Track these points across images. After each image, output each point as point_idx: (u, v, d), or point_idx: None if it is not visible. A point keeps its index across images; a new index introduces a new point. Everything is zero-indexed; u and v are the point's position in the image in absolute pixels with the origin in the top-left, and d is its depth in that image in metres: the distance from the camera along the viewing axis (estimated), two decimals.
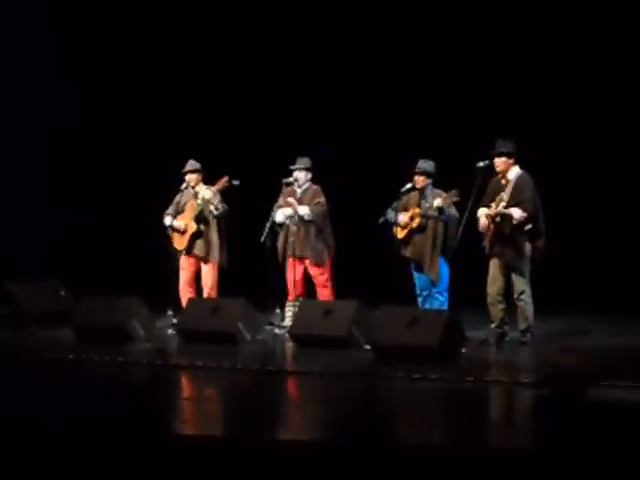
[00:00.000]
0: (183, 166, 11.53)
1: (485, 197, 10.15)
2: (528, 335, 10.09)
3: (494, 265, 10.11)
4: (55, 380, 9.10)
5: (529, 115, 12.98)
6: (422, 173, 10.67)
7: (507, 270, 10.06)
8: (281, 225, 11.24)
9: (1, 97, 14.46)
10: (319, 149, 11.90)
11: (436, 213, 10.49)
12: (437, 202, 10.44)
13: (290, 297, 11.24)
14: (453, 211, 10.44)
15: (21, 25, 14.80)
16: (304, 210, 11.16)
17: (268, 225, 11.06)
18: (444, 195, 10.43)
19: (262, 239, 11.02)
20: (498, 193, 10.07)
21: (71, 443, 6.74)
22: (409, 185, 10.73)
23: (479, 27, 13.35)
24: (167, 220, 11.47)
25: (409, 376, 8.57)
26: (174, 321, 11.22)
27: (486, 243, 10.09)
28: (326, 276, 11.26)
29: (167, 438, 6.84)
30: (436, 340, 9.22)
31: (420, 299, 10.77)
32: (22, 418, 7.34)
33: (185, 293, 11.43)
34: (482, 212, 10.08)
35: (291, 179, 11.26)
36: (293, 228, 11.17)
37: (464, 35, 13.41)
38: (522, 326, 10.10)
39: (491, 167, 10.14)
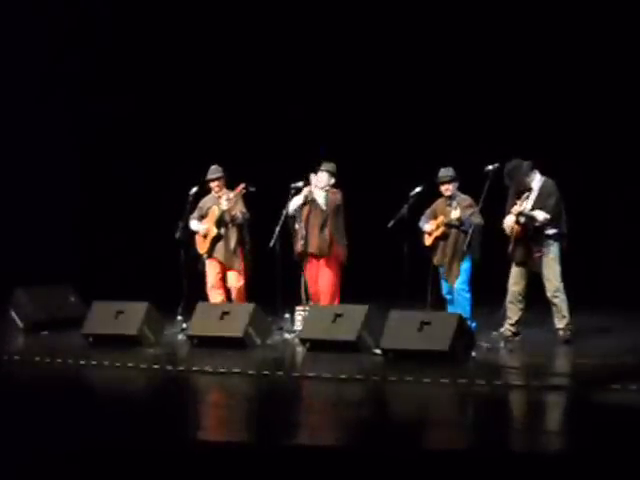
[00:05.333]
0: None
1: (508, 206, 10.26)
2: (569, 332, 10.14)
3: (518, 267, 10.24)
4: (65, 385, 9.14)
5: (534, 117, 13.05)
6: (450, 181, 10.67)
7: (532, 274, 10.18)
8: (293, 217, 11.17)
9: (7, 98, 14.50)
10: (319, 150, 11.86)
11: (457, 223, 10.52)
12: (455, 214, 10.46)
13: (313, 298, 11.20)
14: (477, 219, 10.44)
15: (50, 37, 14.89)
16: (320, 195, 11.10)
17: (277, 230, 11.06)
18: (463, 205, 10.47)
19: (271, 244, 11.02)
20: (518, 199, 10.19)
21: (81, 448, 6.77)
22: (418, 189, 10.74)
23: (489, 31, 13.38)
24: (192, 224, 11.54)
25: (419, 380, 8.57)
26: (184, 326, 11.23)
27: (511, 248, 10.19)
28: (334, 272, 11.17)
29: (176, 443, 6.85)
30: (446, 344, 9.23)
31: (448, 302, 10.82)
32: (34, 426, 7.36)
33: (214, 296, 11.49)
34: (508, 220, 10.21)
35: (300, 184, 11.24)
36: (300, 223, 11.12)
37: (477, 38, 13.45)
38: (561, 324, 10.17)
39: (499, 171, 10.18)
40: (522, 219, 10.09)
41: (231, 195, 11.31)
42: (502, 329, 10.30)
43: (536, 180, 10.21)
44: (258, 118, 14.41)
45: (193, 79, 14.74)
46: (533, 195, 10.14)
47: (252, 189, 11.30)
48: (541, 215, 10.04)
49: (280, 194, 11.28)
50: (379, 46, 13.99)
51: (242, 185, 11.32)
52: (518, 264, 10.22)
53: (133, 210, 14.63)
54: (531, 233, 10.09)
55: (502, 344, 10.06)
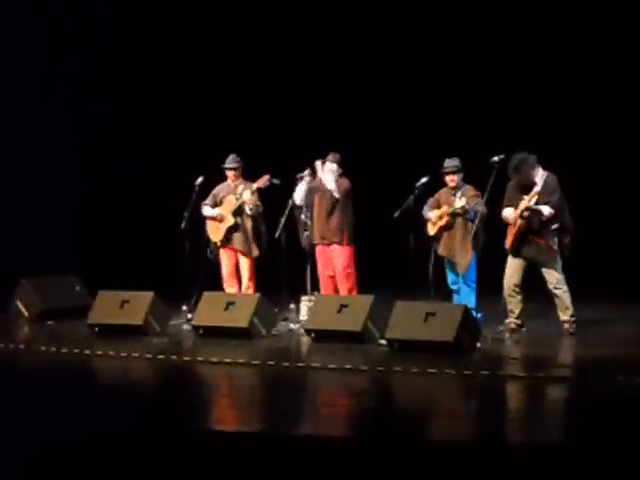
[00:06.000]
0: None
1: (508, 197, 10.25)
2: (573, 324, 10.15)
3: (516, 260, 10.19)
4: (71, 375, 9.16)
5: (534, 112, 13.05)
6: (455, 172, 10.66)
7: (530, 266, 10.15)
8: (300, 207, 11.17)
9: (7, 98, 14.48)
10: (323, 142, 11.85)
11: (462, 212, 10.51)
12: (459, 203, 10.46)
13: (324, 291, 11.18)
14: (481, 208, 10.43)
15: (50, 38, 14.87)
16: (330, 180, 11.09)
17: (283, 220, 11.06)
18: (468, 194, 10.46)
19: (277, 235, 11.03)
20: (523, 193, 10.15)
21: (85, 438, 6.79)
22: (424, 179, 10.72)
23: (495, 24, 13.38)
24: (205, 210, 11.54)
25: (424, 371, 8.58)
26: (189, 316, 11.24)
27: (509, 240, 10.16)
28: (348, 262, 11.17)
29: (181, 433, 6.86)
30: (451, 335, 9.23)
31: (454, 292, 10.82)
32: (39, 415, 7.38)
33: (230, 285, 11.52)
34: (509, 211, 10.18)
35: (305, 173, 11.22)
36: (307, 213, 11.12)
37: (482, 30, 13.44)
38: (565, 316, 10.17)
39: (505, 162, 10.18)
40: (526, 213, 10.07)
41: (254, 186, 11.30)
42: (507, 321, 10.29)
43: (539, 175, 10.20)
44: (260, 113, 14.37)
45: (193, 79, 14.72)
46: (537, 190, 10.12)
47: (276, 182, 11.26)
48: (547, 210, 10.04)
49: (285, 185, 11.28)
50: (385, 38, 13.95)
51: (267, 177, 11.28)
52: (523, 258, 10.19)
53: (134, 209, 14.64)
54: (538, 228, 10.07)
55: (507, 335, 10.06)
